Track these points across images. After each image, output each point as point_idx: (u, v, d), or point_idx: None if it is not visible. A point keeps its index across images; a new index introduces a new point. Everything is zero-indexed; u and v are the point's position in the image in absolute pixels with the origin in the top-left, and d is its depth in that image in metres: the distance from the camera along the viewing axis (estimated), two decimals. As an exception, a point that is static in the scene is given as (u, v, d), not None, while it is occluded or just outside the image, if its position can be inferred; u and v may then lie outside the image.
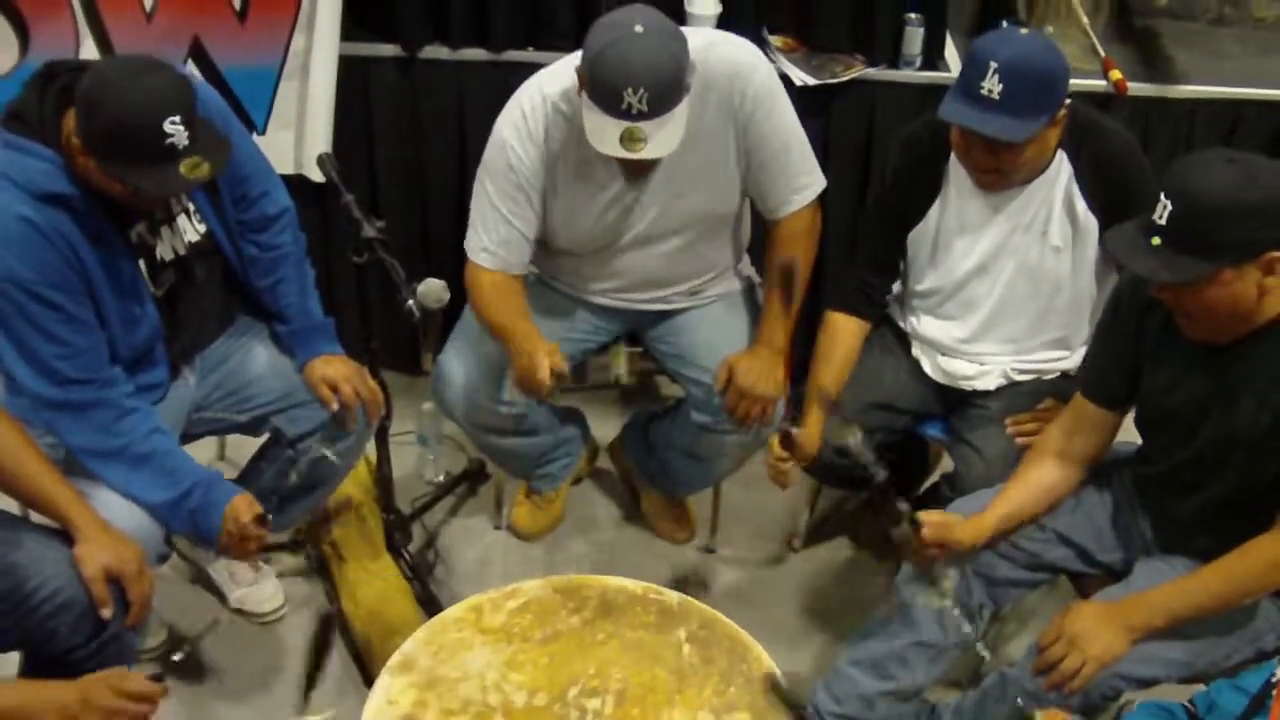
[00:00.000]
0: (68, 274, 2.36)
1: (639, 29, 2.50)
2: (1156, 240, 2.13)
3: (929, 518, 2.48)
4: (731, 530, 3.41)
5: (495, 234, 2.80)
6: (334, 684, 2.96)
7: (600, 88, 2.51)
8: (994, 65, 2.50)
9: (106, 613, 2.32)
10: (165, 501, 2.50)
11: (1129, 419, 2.54)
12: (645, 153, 2.54)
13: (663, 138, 2.54)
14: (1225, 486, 2.34)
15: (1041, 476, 2.55)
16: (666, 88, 2.50)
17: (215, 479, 2.56)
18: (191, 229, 2.62)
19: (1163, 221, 2.13)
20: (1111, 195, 2.63)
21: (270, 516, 2.57)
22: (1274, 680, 1.91)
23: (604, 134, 2.54)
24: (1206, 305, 2.18)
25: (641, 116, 2.50)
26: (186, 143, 2.29)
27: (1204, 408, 2.31)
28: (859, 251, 2.92)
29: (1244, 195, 2.09)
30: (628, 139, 2.52)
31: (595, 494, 3.56)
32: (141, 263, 2.52)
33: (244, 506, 2.53)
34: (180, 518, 2.53)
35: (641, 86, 2.47)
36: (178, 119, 2.27)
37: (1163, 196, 2.13)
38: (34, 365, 2.39)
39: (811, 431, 2.80)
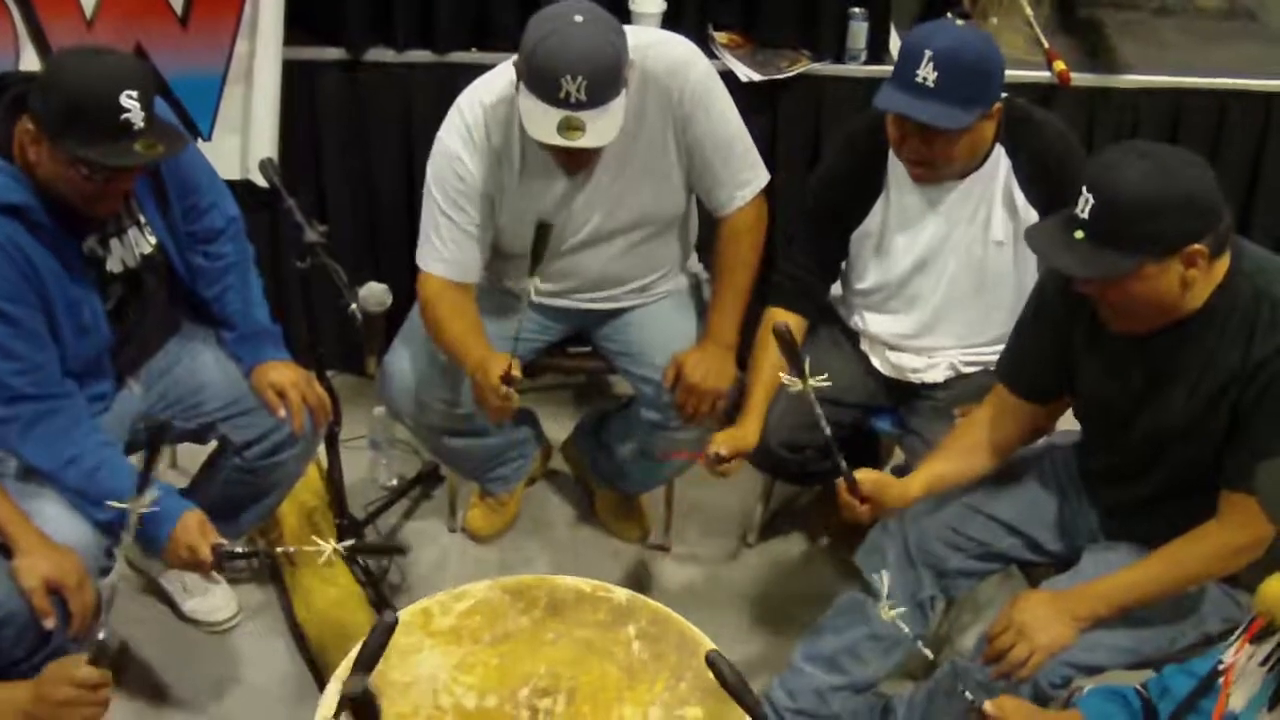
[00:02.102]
0: (23, 286, 2.34)
1: (578, 18, 2.50)
2: (1080, 234, 2.13)
3: (865, 475, 2.47)
4: (685, 527, 3.41)
5: (447, 244, 2.78)
6: (288, 691, 2.94)
7: (539, 76, 2.49)
8: (929, 53, 2.49)
9: (49, 623, 2.30)
10: (114, 516, 2.47)
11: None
12: (583, 141, 2.52)
13: (600, 127, 2.52)
14: (1164, 475, 2.35)
15: (967, 445, 2.55)
16: (605, 77, 2.49)
17: (166, 490, 2.52)
18: (144, 241, 2.60)
19: (1085, 215, 2.12)
20: (1050, 190, 2.61)
21: (222, 542, 2.52)
22: (1221, 669, 1.91)
23: (541, 122, 2.52)
24: (1130, 299, 2.18)
25: (580, 106, 2.48)
26: (142, 124, 2.28)
27: (1137, 399, 2.32)
28: (796, 250, 2.90)
29: (1164, 190, 2.09)
30: (565, 127, 2.50)
31: (549, 494, 3.55)
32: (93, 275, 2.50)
33: (194, 525, 2.49)
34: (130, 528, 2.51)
35: (580, 74, 2.45)
36: (134, 94, 2.26)
37: (1084, 190, 2.12)
38: None
39: (750, 429, 2.80)
